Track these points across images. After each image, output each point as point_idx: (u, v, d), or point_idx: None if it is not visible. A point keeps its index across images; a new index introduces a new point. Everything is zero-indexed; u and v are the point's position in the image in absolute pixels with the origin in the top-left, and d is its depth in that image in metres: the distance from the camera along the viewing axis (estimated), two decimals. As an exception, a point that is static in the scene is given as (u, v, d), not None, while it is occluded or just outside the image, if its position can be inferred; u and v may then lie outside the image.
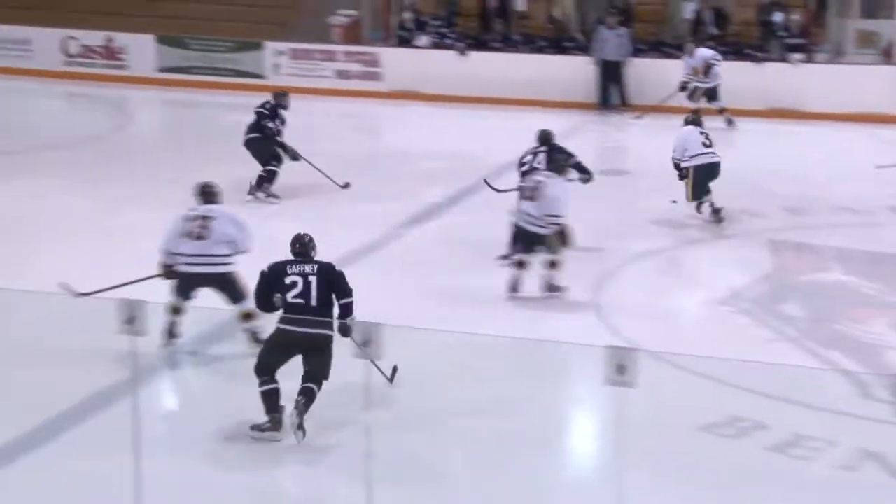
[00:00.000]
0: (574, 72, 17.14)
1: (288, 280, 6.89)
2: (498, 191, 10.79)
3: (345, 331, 6.77)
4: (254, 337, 7.88)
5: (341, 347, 6.58)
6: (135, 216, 11.28)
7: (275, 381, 6.83)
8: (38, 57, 19.24)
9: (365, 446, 6.03)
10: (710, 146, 11.49)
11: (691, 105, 15.24)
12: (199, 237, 7.89)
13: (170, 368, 8.01)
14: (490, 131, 15.75)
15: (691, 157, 11.37)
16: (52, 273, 8.35)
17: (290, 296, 6.87)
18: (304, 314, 6.84)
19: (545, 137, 10.49)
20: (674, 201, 11.62)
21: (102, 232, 10.99)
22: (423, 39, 18.39)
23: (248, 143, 12.16)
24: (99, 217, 11.49)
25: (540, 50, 18.04)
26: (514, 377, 7.68)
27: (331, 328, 6.90)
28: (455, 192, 12.25)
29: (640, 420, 6.07)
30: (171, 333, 7.99)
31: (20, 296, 8.13)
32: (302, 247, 7.10)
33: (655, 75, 16.64)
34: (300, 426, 6.65)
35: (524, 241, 9.40)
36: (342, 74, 18.37)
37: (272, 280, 6.94)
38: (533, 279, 9.34)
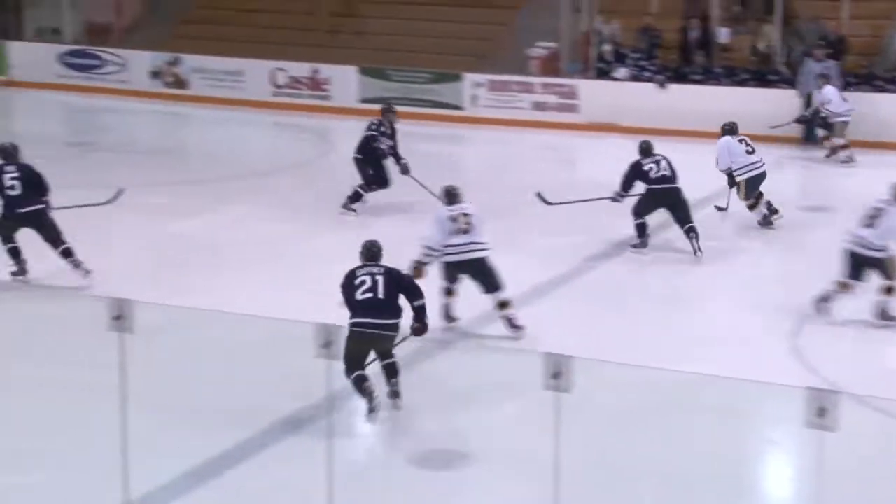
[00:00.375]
0: (778, 105, 16.68)
1: (357, 280, 7.59)
2: (549, 203, 11.18)
3: (419, 332, 7.68)
4: (510, 323, 9.02)
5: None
6: (332, 239, 11.56)
7: (364, 369, 7.47)
8: (249, 88, 20.04)
9: (553, 490, 5.96)
10: (752, 152, 12.10)
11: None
12: (467, 231, 9.16)
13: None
14: (688, 164, 15.41)
15: (740, 167, 12.05)
16: (254, 295, 8.59)
17: (358, 293, 7.54)
18: (373, 307, 7.48)
19: None
20: (720, 208, 12.29)
21: (299, 255, 11.29)
22: (622, 72, 18.28)
23: (354, 161, 12.81)
24: (298, 241, 11.82)
25: (742, 83, 17.67)
26: (706, 415, 7.47)
27: (399, 316, 7.55)
28: (651, 227, 12.06)
29: (840, 466, 5.80)
30: (449, 317, 9.19)
31: (236, 319, 8.39)
32: (369, 252, 7.81)
33: (866, 109, 16.05)
34: (398, 394, 7.54)
35: (858, 266, 9.33)
36: (539, 106, 18.41)
37: (347, 284, 7.63)
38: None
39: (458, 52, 19.77)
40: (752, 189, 12.15)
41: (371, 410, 7.46)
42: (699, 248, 11.08)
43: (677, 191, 11.33)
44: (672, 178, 11.35)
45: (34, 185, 10.15)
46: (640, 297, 10.27)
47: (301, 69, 19.86)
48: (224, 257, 11.28)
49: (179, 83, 20.63)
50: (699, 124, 16.82)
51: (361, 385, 7.43)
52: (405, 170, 12.78)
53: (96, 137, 18.12)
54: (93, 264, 10.45)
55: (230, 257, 11.27)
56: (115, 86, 20.87)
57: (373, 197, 12.77)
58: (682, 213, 11.30)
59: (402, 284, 7.64)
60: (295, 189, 14.25)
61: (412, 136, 17.65)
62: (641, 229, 11.44)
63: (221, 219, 12.73)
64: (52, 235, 10.10)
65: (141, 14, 22.96)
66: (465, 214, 9.23)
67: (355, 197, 12.79)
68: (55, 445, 6.99)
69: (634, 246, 11.43)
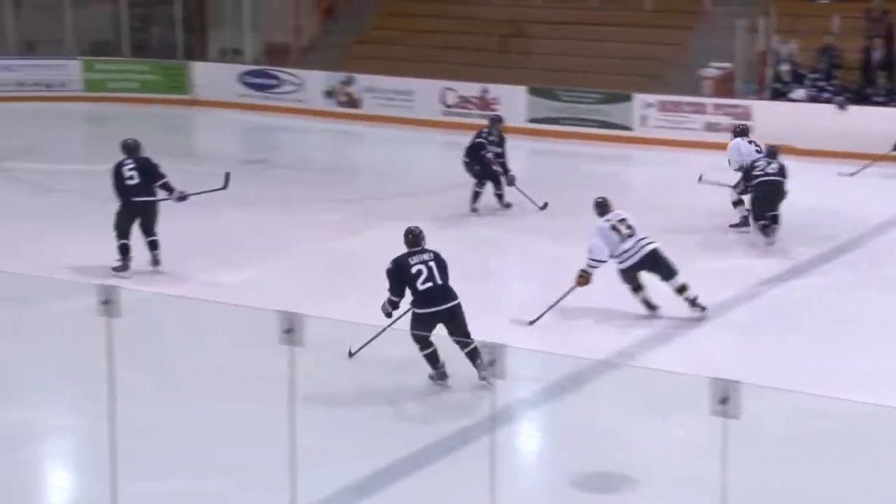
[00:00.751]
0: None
1: (413, 270, 8.14)
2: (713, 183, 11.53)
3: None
4: (692, 303, 9.62)
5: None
6: (499, 257, 11.59)
7: (432, 345, 8.06)
8: (419, 107, 20.30)
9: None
10: (762, 153, 12.58)
11: None
12: (630, 235, 9.74)
13: (531, 408, 8.11)
14: (865, 188, 14.98)
15: (758, 173, 12.23)
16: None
17: (419, 283, 8.09)
18: (436, 294, 8.12)
19: None
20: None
21: (467, 272, 11.33)
22: (800, 92, 17.85)
23: (463, 165, 13.68)
24: (466, 257, 11.88)
25: (928, 105, 17.03)
26: (881, 449, 7.18)
27: (456, 296, 8.18)
28: (826, 250, 11.71)
29: None
30: (651, 306, 9.78)
31: (404, 335, 8.49)
32: (415, 237, 8.41)
33: None
34: (485, 376, 7.75)
35: None
36: (711, 127, 18.08)
37: (399, 272, 8.20)
38: None
39: (629, 72, 19.60)
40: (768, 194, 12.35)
41: (441, 377, 8.08)
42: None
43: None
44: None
45: (150, 175, 11.00)
46: (815, 322, 9.96)
47: (471, 89, 20.01)
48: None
49: (352, 102, 21.05)
50: (879, 147, 16.27)
51: (435, 356, 8.09)
52: (511, 181, 13.54)
53: (272, 155, 18.63)
54: (265, 277, 10.75)
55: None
56: (292, 105, 21.44)
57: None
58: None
59: (445, 263, 8.31)
60: (463, 207, 14.34)
61: (580, 157, 17.67)
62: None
63: (387, 235, 12.90)
64: (150, 226, 11.02)
65: (318, 35, 23.55)
66: (622, 220, 9.84)
67: (475, 197, 13.60)
68: (226, 453, 7.18)
69: None
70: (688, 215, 12.62)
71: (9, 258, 11.22)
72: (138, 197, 10.97)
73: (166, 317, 8.79)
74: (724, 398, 5.51)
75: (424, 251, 8.34)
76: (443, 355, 8.16)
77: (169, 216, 11.40)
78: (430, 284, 8.11)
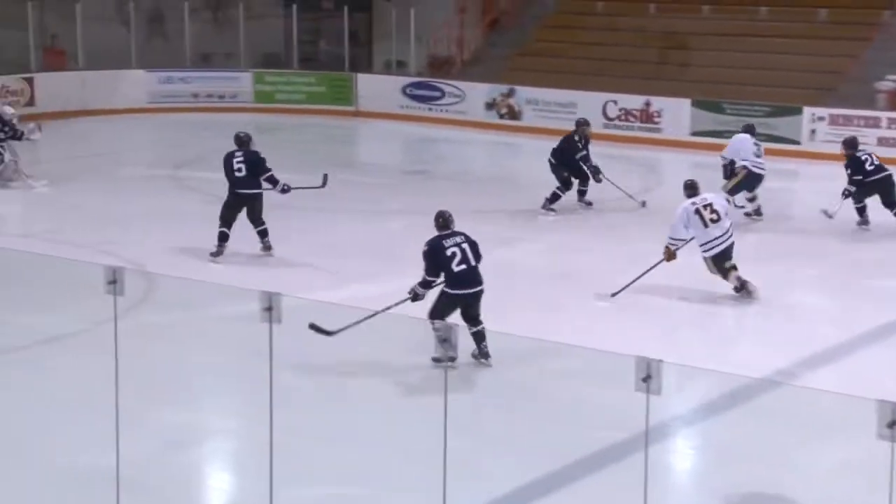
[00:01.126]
0: None
1: (448, 252, 8.54)
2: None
3: None
4: (742, 285, 10.16)
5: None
6: (659, 272, 11.43)
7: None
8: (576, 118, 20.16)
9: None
10: (759, 156, 13.43)
11: None
12: (715, 220, 10.17)
13: (687, 425, 7.99)
14: None
15: (744, 160, 13.36)
16: (573, 324, 8.55)
17: (454, 265, 8.51)
18: (469, 277, 8.58)
19: None
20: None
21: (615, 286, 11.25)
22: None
23: (549, 164, 14.30)
24: (608, 273, 11.81)
25: None
26: None
27: (483, 280, 8.61)
28: None
29: None
30: (746, 286, 10.19)
31: (554, 348, 8.48)
32: (445, 221, 8.78)
33: None
34: (488, 355, 8.41)
35: None
36: (885, 141, 17.50)
37: (434, 254, 8.57)
38: None
39: (799, 84, 19.13)
40: (745, 186, 13.38)
41: (451, 358, 7.72)
42: None
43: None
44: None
45: (256, 168, 11.65)
46: None
47: (633, 101, 19.84)
48: (540, 285, 11.38)
49: (513, 114, 21.11)
50: None
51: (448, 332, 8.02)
52: (596, 173, 14.20)
53: (433, 166, 18.83)
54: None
55: (544, 285, 11.36)
56: (454, 116, 21.63)
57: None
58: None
59: (476, 245, 8.72)
60: (624, 220, 14.22)
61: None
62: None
63: (544, 246, 12.91)
64: (257, 215, 11.76)
65: (481, 47, 23.71)
66: (707, 205, 10.26)
67: (553, 198, 14.15)
68: (378, 461, 7.28)
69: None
70: (856, 232, 12.22)
71: (177, 264, 11.65)
72: (244, 189, 11.68)
73: (326, 324, 8.95)
74: (893, 421, 5.32)
75: (456, 234, 8.72)
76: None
77: (332, 223, 11.66)
78: (464, 266, 8.54)
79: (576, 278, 11.55)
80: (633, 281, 10.32)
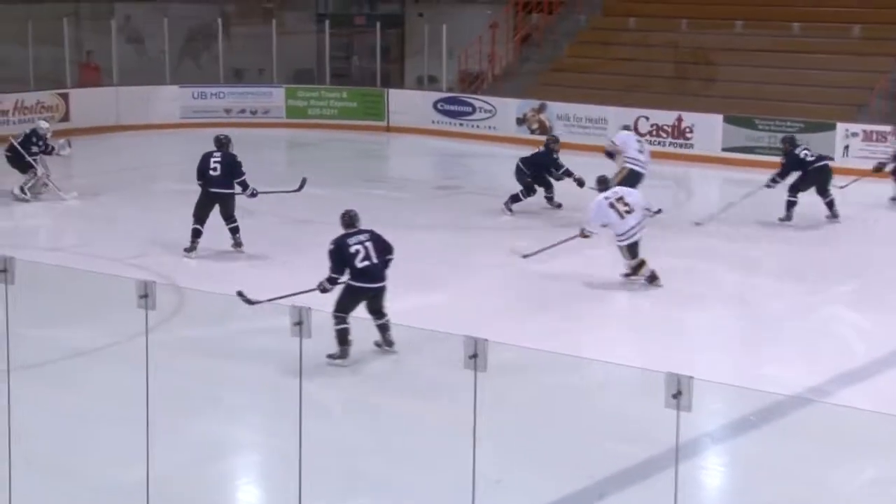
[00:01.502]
0: None
1: (352, 249, 9.06)
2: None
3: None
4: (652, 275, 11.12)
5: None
6: (676, 289, 11.40)
7: (347, 322, 8.82)
8: (611, 135, 20.08)
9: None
10: (642, 152, 14.38)
11: None
12: (629, 212, 10.98)
13: (717, 443, 7.94)
14: None
15: (626, 158, 14.30)
16: (607, 340, 8.51)
17: (357, 261, 9.01)
18: (371, 273, 9.08)
19: None
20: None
21: (649, 299, 11.19)
22: None
23: (517, 174, 15.05)
24: (644, 287, 11.76)
25: None
26: None
27: (386, 277, 9.16)
28: None
29: None
30: (656, 277, 11.12)
31: (586, 363, 8.45)
32: (351, 219, 9.31)
33: None
34: (391, 343, 9.10)
35: None
36: (919, 157, 17.33)
37: (338, 252, 9.09)
38: None
39: (831, 100, 19.02)
40: (630, 181, 13.69)
41: (341, 356, 8.80)
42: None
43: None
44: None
45: (232, 171, 12.33)
46: None
47: (665, 117, 19.78)
48: (575, 300, 11.36)
49: (544, 129, 21.07)
50: None
51: (346, 334, 8.86)
52: (581, 183, 14.51)
53: (463, 181, 18.83)
54: (452, 300, 10.88)
55: (581, 300, 11.34)
56: (484, 132, 21.65)
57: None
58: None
59: (381, 241, 9.23)
60: (649, 236, 14.17)
61: (780, 186, 17.16)
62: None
63: (574, 262, 12.87)
64: (229, 213, 12.40)
65: (512, 63, 23.73)
66: (620, 198, 11.13)
67: (515, 199, 14.86)
68: (406, 476, 7.27)
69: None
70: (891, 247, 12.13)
71: (208, 278, 11.71)
72: (217, 188, 12.34)
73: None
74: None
75: (361, 231, 9.25)
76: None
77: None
78: (367, 263, 9.09)
79: (602, 293, 11.53)
80: (547, 248, 11.67)
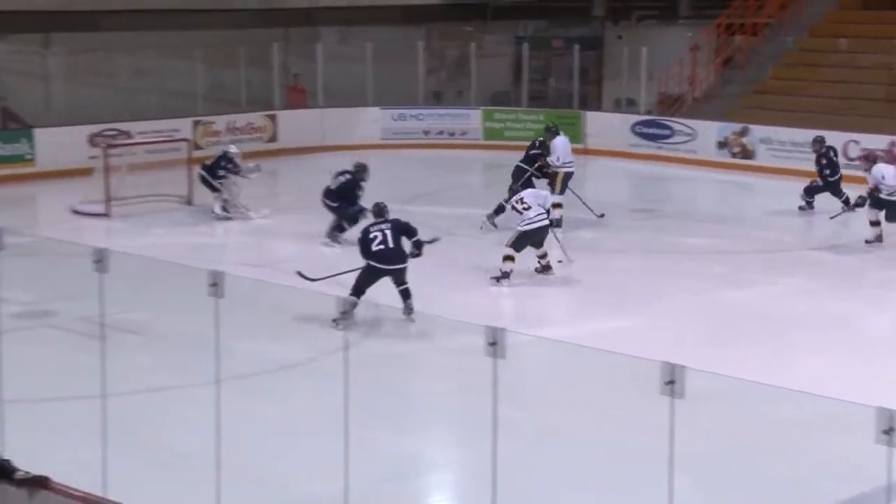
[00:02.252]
0: None
1: (371, 235, 10.65)
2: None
3: (414, 255, 10.90)
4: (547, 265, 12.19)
5: None
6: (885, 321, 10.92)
7: (358, 301, 10.18)
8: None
9: None
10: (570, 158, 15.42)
11: None
12: (527, 209, 12.29)
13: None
14: None
15: (563, 163, 15.28)
16: (807, 370, 8.26)
17: (374, 245, 10.56)
18: (387, 255, 10.60)
19: None
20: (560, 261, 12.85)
21: (851, 333, 10.76)
22: None
23: (516, 172, 15.23)
24: (848, 320, 11.32)
25: None
26: None
27: (405, 261, 10.68)
28: None
29: None
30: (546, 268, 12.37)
31: (786, 394, 8.18)
32: (380, 210, 10.95)
33: None
34: (412, 311, 10.58)
35: None
36: None
37: (362, 239, 10.75)
38: None
39: None
40: (565, 185, 15.17)
41: (342, 319, 9.19)
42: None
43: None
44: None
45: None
46: None
47: (877, 141, 19.00)
48: (774, 329, 11.02)
49: (746, 153, 20.61)
50: None
51: (353, 306, 9.86)
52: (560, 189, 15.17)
53: (660, 204, 18.57)
54: (646, 325, 10.73)
55: (780, 330, 11.00)
56: (684, 155, 21.29)
57: None
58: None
59: (402, 228, 10.73)
60: (858, 266, 13.66)
61: None
62: None
63: (774, 290, 12.52)
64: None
65: (713, 85, 23.30)
66: (519, 199, 12.36)
67: (500, 210, 14.55)
68: (600, 501, 7.17)
69: None
70: None
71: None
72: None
73: (549, 361, 8.94)
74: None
75: (386, 221, 10.75)
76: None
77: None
78: (382, 247, 10.53)
79: (810, 324, 11.17)
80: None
